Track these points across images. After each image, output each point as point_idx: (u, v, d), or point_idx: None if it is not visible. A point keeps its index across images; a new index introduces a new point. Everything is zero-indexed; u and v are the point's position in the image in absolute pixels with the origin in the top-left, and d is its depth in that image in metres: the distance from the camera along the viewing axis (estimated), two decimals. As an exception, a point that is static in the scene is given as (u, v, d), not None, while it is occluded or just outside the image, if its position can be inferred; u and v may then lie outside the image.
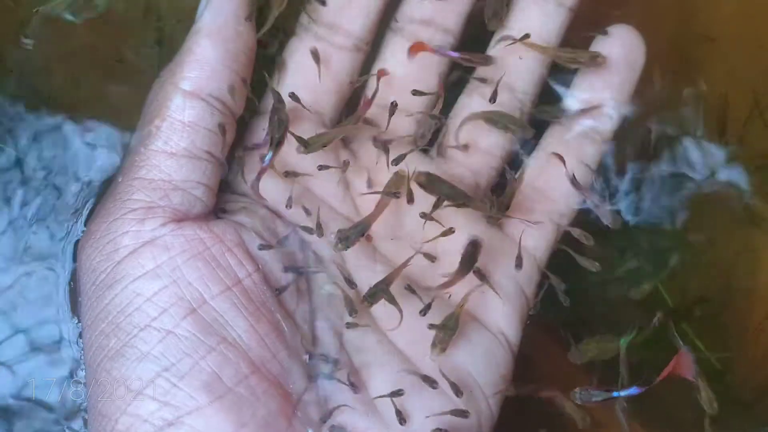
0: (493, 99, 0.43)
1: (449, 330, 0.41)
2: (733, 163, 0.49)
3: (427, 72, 0.44)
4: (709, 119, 0.50)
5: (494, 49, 0.45)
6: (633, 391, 0.41)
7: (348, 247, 0.40)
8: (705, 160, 0.49)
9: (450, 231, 0.41)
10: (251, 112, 0.43)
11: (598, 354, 0.46)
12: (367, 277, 0.41)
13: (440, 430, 0.39)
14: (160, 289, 0.36)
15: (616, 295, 0.49)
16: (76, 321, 0.43)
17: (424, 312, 0.41)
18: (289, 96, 0.42)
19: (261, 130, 0.43)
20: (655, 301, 0.48)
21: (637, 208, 0.48)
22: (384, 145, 0.43)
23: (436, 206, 0.41)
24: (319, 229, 0.41)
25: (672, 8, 0.50)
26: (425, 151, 0.45)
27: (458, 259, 0.42)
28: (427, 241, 0.41)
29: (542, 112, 0.45)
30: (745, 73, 0.50)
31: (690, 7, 0.49)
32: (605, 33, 0.44)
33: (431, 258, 0.42)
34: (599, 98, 0.44)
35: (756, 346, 0.50)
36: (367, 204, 0.42)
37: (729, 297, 0.50)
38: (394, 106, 0.42)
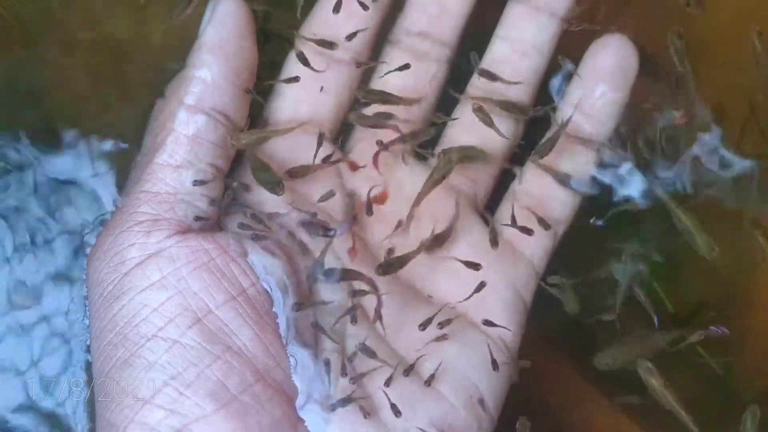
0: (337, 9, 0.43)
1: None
2: (731, 169, 0.50)
3: (423, 83, 0.45)
4: (704, 126, 0.50)
5: (486, 60, 0.46)
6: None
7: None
8: (702, 167, 0.50)
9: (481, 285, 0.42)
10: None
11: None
12: None
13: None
14: (166, 299, 0.36)
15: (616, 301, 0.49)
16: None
17: (423, 326, 0.41)
18: None
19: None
20: (655, 306, 0.48)
21: (635, 214, 0.49)
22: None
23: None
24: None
25: (668, 18, 0.50)
26: (424, 158, 0.46)
27: (458, 267, 0.43)
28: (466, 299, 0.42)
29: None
30: (741, 81, 0.51)
31: (686, 16, 0.50)
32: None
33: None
34: (594, 106, 0.45)
35: (756, 351, 0.50)
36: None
37: (729, 302, 0.50)
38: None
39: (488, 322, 0.42)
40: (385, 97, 0.44)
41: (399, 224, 0.43)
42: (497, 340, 0.43)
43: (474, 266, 0.42)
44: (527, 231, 0.44)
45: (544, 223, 0.44)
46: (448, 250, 0.44)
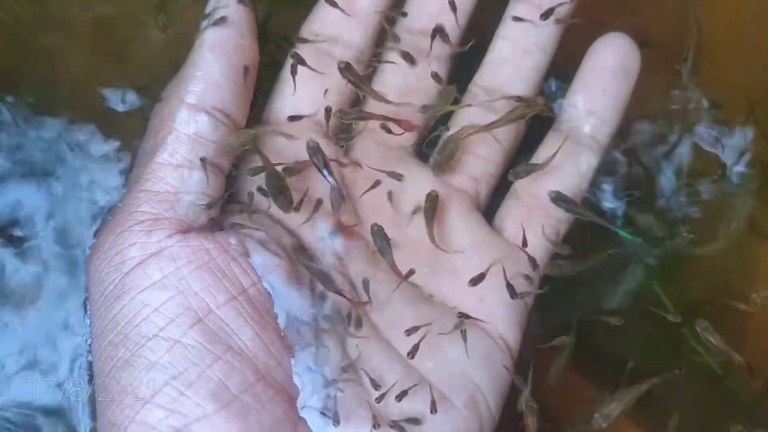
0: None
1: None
2: (731, 169, 0.50)
3: (426, 81, 0.45)
4: (706, 126, 0.50)
5: (489, 59, 0.46)
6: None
7: None
8: (703, 165, 0.50)
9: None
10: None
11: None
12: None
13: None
14: (167, 299, 0.36)
15: (616, 301, 0.49)
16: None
17: (412, 352, 0.41)
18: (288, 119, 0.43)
19: None
20: (655, 306, 0.49)
21: (636, 214, 0.49)
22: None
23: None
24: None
25: (670, 17, 0.50)
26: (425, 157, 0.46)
27: (459, 267, 0.43)
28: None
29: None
30: (741, 81, 0.51)
31: (686, 15, 0.50)
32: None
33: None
34: (596, 105, 0.45)
35: (756, 351, 0.50)
36: (365, 206, 0.44)
37: (728, 301, 0.50)
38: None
39: (463, 315, 0.42)
40: (363, 116, 0.44)
41: (417, 209, 0.43)
42: (498, 340, 0.43)
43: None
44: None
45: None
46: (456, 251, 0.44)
